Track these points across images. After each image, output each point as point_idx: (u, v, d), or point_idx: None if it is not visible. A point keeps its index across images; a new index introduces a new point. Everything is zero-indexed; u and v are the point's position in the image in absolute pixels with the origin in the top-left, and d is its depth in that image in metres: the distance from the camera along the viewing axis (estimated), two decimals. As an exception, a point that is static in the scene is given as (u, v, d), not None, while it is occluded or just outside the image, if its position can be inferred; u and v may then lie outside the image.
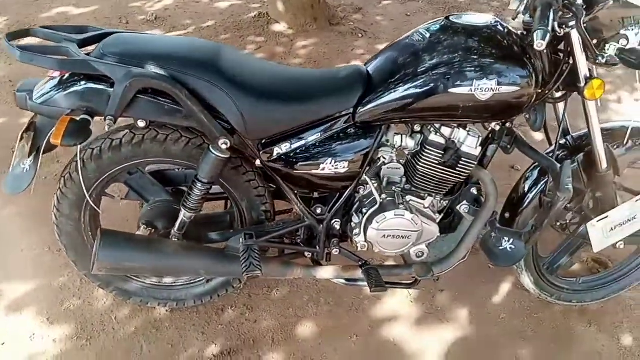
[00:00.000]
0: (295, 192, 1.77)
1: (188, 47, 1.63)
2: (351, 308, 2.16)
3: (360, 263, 1.88)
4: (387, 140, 1.75)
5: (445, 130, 1.69)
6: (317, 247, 1.86)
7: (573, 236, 2.09)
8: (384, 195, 1.78)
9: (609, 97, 3.58)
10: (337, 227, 1.83)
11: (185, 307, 2.07)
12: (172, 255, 1.69)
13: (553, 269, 2.21)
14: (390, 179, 1.82)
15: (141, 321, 2.05)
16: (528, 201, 1.94)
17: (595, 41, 1.60)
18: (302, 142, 1.63)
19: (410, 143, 1.73)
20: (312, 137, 1.63)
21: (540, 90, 1.64)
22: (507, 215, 2.00)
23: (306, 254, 1.91)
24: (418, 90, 1.56)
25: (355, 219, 1.83)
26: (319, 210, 1.79)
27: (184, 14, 4.41)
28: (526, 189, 1.97)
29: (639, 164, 1.99)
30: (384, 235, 1.78)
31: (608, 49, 1.59)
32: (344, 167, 1.66)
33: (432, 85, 1.55)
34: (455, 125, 1.69)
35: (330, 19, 4.49)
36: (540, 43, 1.34)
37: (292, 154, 1.63)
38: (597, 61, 1.60)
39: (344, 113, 1.64)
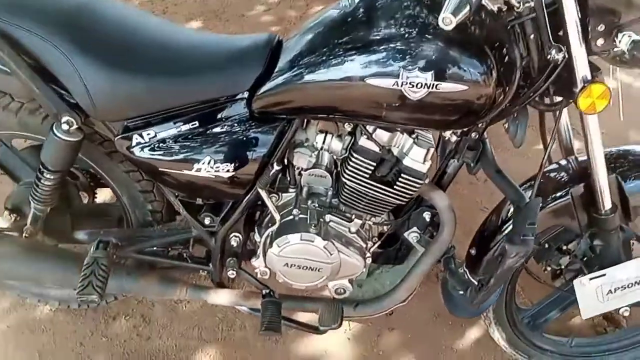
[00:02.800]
0: (177, 193, 1.37)
1: None
2: (271, 338, 1.75)
3: (263, 291, 1.46)
4: (307, 139, 1.31)
5: (382, 135, 1.23)
6: (211, 265, 1.46)
7: (565, 287, 1.59)
8: (295, 211, 1.35)
9: None
10: (235, 244, 1.41)
11: (69, 308, 1.74)
12: (6, 256, 1.34)
13: (536, 324, 1.72)
14: (312, 189, 1.38)
15: (17, 319, 1.74)
16: (501, 237, 1.45)
17: (602, 27, 1.09)
18: (172, 132, 1.21)
19: (336, 146, 1.29)
20: (186, 125, 1.21)
21: (515, 91, 1.16)
22: (472, 251, 1.52)
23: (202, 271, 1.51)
24: (326, 76, 1.11)
25: (257, 237, 1.41)
26: (207, 221, 1.38)
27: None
28: (501, 221, 1.48)
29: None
30: (287, 264, 1.36)
31: (619, 41, 1.08)
32: (227, 171, 1.23)
33: (345, 70, 1.09)
34: (399, 129, 1.22)
35: (358, -16, 3.96)
36: (447, 19, 0.86)
37: (156, 145, 1.22)
38: (601, 55, 1.10)
39: (236, 97, 1.21)
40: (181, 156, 1.22)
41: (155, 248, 1.47)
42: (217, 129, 1.21)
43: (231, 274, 1.45)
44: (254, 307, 1.49)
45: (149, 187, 1.43)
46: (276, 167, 1.21)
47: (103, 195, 1.61)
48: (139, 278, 1.42)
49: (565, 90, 1.17)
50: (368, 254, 1.43)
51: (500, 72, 1.09)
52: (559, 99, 1.26)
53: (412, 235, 1.44)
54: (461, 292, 1.53)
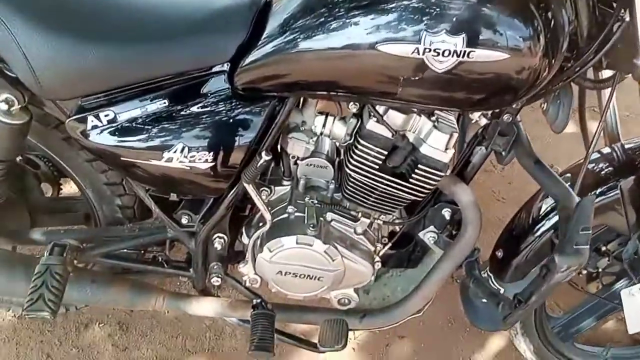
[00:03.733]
0: (147, 187, 1.14)
1: None
2: (265, 348, 1.54)
3: (254, 301, 1.24)
4: (303, 122, 1.08)
5: (395, 117, 0.99)
6: (192, 271, 1.24)
7: (604, 294, 1.38)
8: (290, 208, 1.13)
9: None
10: (219, 246, 1.19)
11: (36, 315, 1.52)
12: None
13: (568, 334, 1.50)
14: (311, 182, 1.17)
15: (-24, 326, 1.53)
16: (533, 239, 1.24)
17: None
18: (135, 112, 0.98)
19: (338, 130, 1.06)
20: (153, 105, 0.98)
21: (563, 63, 0.93)
22: (499, 254, 1.31)
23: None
24: (326, 43, 0.88)
25: (244, 239, 1.19)
26: (185, 220, 1.16)
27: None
28: (534, 219, 1.26)
29: None
30: (280, 272, 1.14)
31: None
32: (205, 161, 1.00)
33: (349, 35, 0.86)
34: (416, 109, 1.00)
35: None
36: None
37: (116, 129, 0.99)
38: None
39: (215, 70, 0.98)
40: (147, 143, 0.99)
41: (126, 250, 1.24)
42: (191, 110, 0.98)
43: (215, 281, 1.23)
44: (244, 319, 1.27)
45: (117, 178, 1.21)
46: (265, 157, 0.98)
47: (71, 187, 1.39)
48: (106, 286, 1.20)
49: (622, 63, 0.94)
50: (377, 259, 1.21)
51: (548, 37, 0.86)
52: (608, 73, 1.03)
53: (428, 236, 1.22)
54: (485, 300, 1.32)
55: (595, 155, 1.25)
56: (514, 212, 1.31)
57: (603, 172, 1.22)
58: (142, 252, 1.26)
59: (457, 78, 0.85)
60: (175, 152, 0.99)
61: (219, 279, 1.22)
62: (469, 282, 1.32)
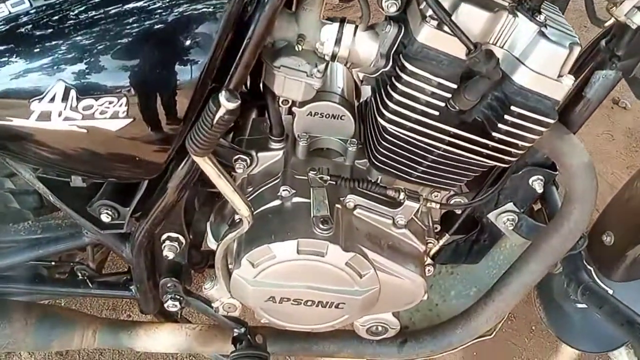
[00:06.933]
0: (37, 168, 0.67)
1: None
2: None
3: (235, 331, 0.80)
4: (301, 37, 0.61)
5: (471, 16, 0.53)
6: (133, 290, 0.79)
7: None
8: (284, 190, 0.66)
9: None
10: (172, 253, 0.73)
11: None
12: None
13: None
14: (316, 143, 0.71)
15: None
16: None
17: None
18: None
19: (364, 48, 0.60)
20: (3, 9, 0.50)
21: None
22: (607, 238, 0.90)
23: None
24: None
25: (210, 241, 0.73)
26: (105, 217, 0.68)
27: None
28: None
29: None
30: (272, 298, 0.68)
31: None
32: (113, 115, 0.52)
33: None
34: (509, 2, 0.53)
35: None
36: None
37: None
38: None
39: None
40: (-3, 85, 0.51)
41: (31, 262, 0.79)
42: (75, 13, 0.50)
43: (172, 304, 0.77)
44: (224, 354, 0.84)
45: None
46: (228, 105, 0.50)
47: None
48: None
49: None
50: (428, 261, 0.75)
51: None
52: None
53: (504, 218, 0.82)
54: (579, 306, 0.90)
55: None
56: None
57: None
58: (54, 263, 0.80)
59: None
60: (52, 100, 0.51)
61: (177, 303, 0.77)
62: (563, 280, 0.89)
